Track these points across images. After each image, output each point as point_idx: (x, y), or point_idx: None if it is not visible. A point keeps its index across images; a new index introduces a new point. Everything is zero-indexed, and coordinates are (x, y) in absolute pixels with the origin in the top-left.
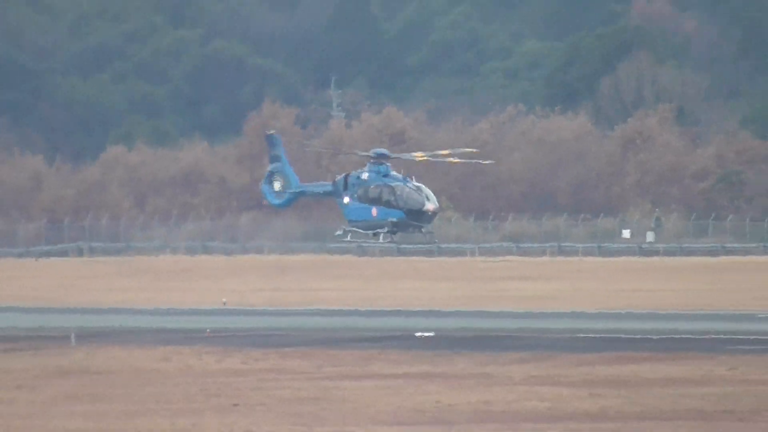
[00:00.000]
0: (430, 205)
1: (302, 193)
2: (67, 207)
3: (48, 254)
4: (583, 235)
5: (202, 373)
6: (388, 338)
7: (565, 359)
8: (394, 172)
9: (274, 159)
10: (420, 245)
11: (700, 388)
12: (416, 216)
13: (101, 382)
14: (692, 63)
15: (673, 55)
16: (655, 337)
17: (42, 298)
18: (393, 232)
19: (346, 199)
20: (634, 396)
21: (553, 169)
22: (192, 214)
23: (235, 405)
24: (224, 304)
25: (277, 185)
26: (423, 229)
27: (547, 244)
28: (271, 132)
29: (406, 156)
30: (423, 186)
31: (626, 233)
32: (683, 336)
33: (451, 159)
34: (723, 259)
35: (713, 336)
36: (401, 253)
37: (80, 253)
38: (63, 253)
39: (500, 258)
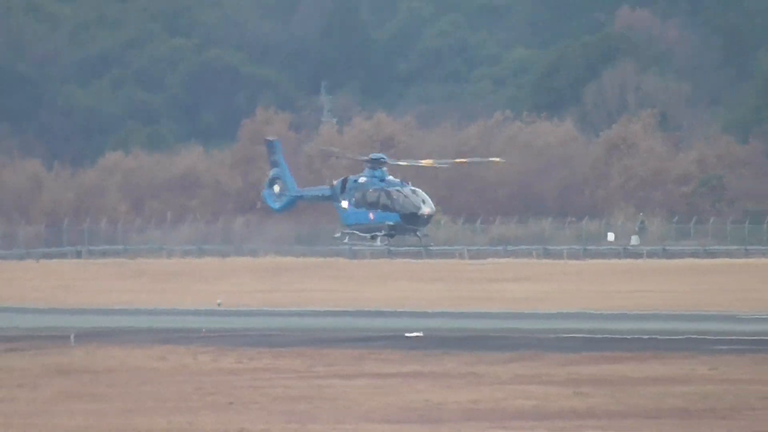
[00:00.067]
0: (426, 209)
1: (301, 198)
2: (67, 210)
3: (48, 256)
4: (569, 238)
5: (197, 372)
6: (379, 338)
7: (551, 359)
8: (390, 177)
9: (274, 164)
10: (410, 247)
11: (683, 386)
12: (412, 219)
13: (100, 380)
14: (675, 70)
15: (656, 62)
16: (638, 337)
17: (42, 299)
18: (390, 235)
19: (344, 203)
20: (618, 394)
21: (539, 173)
22: (188, 218)
23: (230, 403)
24: (219, 305)
25: (277, 190)
26: (419, 232)
27: (534, 247)
28: (271, 138)
29: (412, 162)
30: (419, 190)
31: (611, 236)
32: (666, 336)
33: (462, 160)
34: (705, 261)
35: (695, 336)
36: (392, 255)
37: (79, 255)
38: (62, 255)
39: (488, 261)
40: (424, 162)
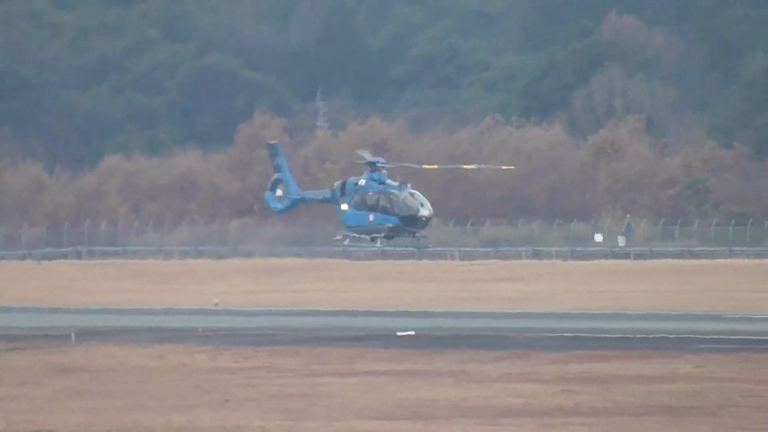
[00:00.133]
0: (425, 211)
1: (302, 200)
2: (67, 212)
3: (49, 257)
4: (558, 239)
5: (195, 370)
6: (372, 337)
7: (539, 357)
8: (389, 180)
9: (277, 168)
10: (402, 249)
11: (668, 384)
12: (411, 221)
13: (100, 379)
14: (661, 76)
15: (642, 68)
16: (625, 336)
17: (43, 299)
18: (389, 237)
19: (344, 206)
20: (605, 392)
21: (528, 176)
22: (186, 220)
23: (227, 401)
24: (216, 305)
25: (279, 192)
26: (417, 234)
27: (523, 248)
28: (273, 141)
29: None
30: (417, 193)
31: (598, 237)
32: (652, 335)
33: (471, 166)
34: (690, 262)
35: (681, 335)
36: (385, 256)
37: (79, 256)
38: (63, 256)
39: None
40: (428, 167)
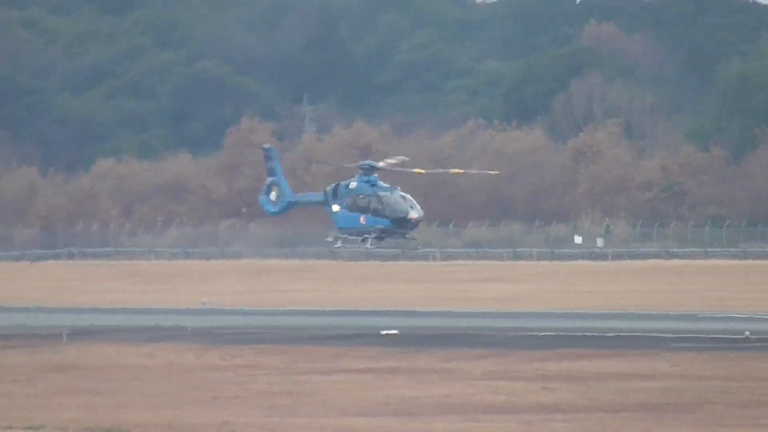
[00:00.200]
0: (414, 214)
1: (295, 203)
2: (61, 214)
3: (42, 258)
4: (538, 241)
5: (183, 368)
6: (357, 336)
7: (520, 356)
8: (381, 182)
9: (270, 171)
10: (387, 250)
11: (646, 382)
12: (401, 223)
13: (92, 376)
14: (639, 81)
15: (621, 74)
16: (603, 334)
17: (36, 299)
18: (380, 238)
19: (336, 208)
20: (584, 390)
21: (510, 179)
22: (175, 222)
23: (214, 398)
24: (204, 304)
25: (273, 195)
26: (407, 236)
27: (505, 249)
28: (267, 146)
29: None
30: (408, 195)
31: (578, 239)
32: (630, 334)
33: (457, 170)
34: (667, 262)
35: (657, 334)
36: (370, 257)
37: (72, 257)
38: (56, 257)
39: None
40: (416, 170)
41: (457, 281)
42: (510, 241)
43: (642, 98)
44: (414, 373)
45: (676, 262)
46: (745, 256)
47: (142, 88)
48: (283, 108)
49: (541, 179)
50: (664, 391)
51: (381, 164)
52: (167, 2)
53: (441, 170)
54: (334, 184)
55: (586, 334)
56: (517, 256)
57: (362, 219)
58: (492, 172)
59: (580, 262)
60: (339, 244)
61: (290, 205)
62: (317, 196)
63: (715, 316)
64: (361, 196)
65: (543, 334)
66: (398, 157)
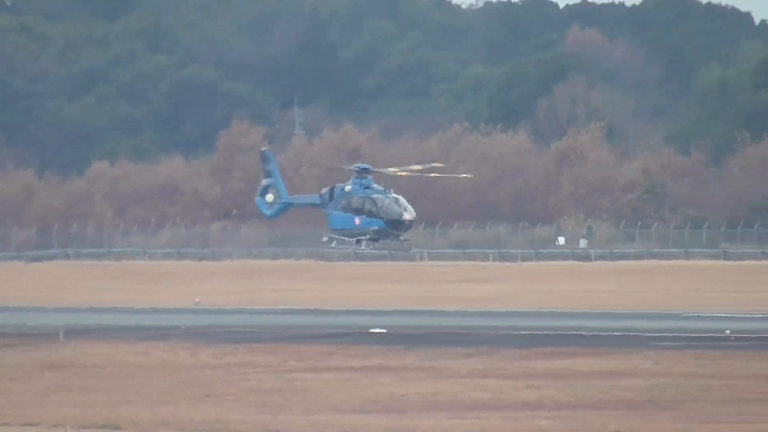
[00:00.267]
0: (407, 216)
1: (291, 205)
2: (56, 216)
3: (38, 258)
4: (523, 242)
5: (177, 366)
6: (346, 335)
7: (505, 354)
8: (375, 185)
9: (267, 174)
10: (376, 251)
11: (628, 380)
12: (395, 225)
13: (87, 374)
14: (621, 86)
15: (603, 78)
16: (587, 333)
17: (32, 298)
18: (375, 240)
19: (332, 210)
20: (568, 387)
21: (495, 181)
22: (168, 223)
23: (207, 395)
24: (197, 304)
25: (269, 198)
26: (401, 237)
27: (490, 250)
28: (264, 149)
29: (384, 170)
30: (401, 198)
31: (561, 240)
32: (613, 333)
33: (435, 173)
34: (649, 263)
35: (640, 333)
36: (358, 258)
37: (67, 257)
38: (52, 258)
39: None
40: (392, 170)
41: (444, 281)
42: (495, 242)
43: (624, 102)
44: (402, 371)
45: (657, 262)
46: (725, 256)
47: (135, 92)
48: (273, 112)
49: (526, 181)
50: (646, 388)
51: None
52: (159, 8)
53: (419, 174)
54: (329, 187)
55: (571, 332)
56: (502, 257)
57: (357, 220)
58: (466, 175)
59: (564, 262)
60: (334, 244)
61: (287, 207)
62: (313, 198)
63: (696, 315)
64: (355, 199)
65: (528, 332)
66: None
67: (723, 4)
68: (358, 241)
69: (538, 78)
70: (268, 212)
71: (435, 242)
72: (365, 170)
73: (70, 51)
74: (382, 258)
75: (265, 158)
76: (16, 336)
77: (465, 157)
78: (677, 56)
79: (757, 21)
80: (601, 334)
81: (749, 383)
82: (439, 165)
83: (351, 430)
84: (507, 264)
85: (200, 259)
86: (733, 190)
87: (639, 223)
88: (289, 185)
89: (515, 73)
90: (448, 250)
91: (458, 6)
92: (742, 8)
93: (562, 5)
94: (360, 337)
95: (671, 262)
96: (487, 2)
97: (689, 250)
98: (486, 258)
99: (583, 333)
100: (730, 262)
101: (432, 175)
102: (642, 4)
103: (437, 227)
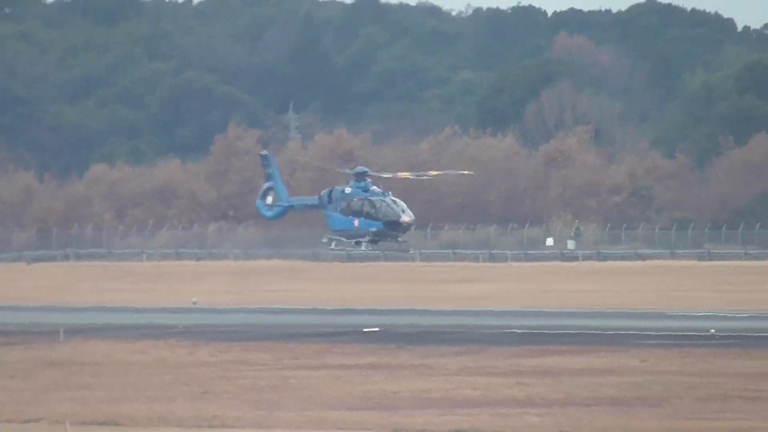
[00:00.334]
0: (406, 218)
1: (291, 207)
2: (56, 218)
3: (38, 259)
4: (512, 243)
5: (174, 364)
6: (340, 333)
7: (495, 352)
8: (374, 187)
9: (268, 177)
10: (367, 252)
11: (616, 377)
12: (393, 227)
13: (87, 372)
14: (608, 91)
15: (590, 83)
16: (575, 332)
17: (33, 298)
18: (373, 241)
19: (331, 212)
20: (557, 384)
21: (485, 184)
22: (166, 224)
23: (204, 392)
24: (194, 303)
25: (269, 200)
26: (399, 239)
27: (480, 251)
28: (264, 152)
29: (386, 174)
30: (399, 200)
31: (550, 241)
32: (600, 331)
33: (436, 173)
34: (635, 263)
35: (627, 331)
36: (351, 259)
37: (67, 258)
38: (52, 259)
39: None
40: (402, 174)
41: (435, 281)
42: (485, 243)
43: (610, 107)
44: (394, 369)
45: (643, 262)
46: (710, 257)
47: (133, 96)
48: (268, 116)
49: (515, 184)
50: (633, 386)
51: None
52: (157, 15)
53: (421, 173)
54: (329, 189)
55: (559, 331)
56: (492, 258)
57: (356, 222)
58: (465, 172)
59: (552, 263)
60: (333, 245)
61: (287, 209)
62: (313, 200)
63: (683, 314)
64: (355, 201)
65: (517, 331)
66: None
67: (707, 11)
68: (358, 243)
69: (526, 83)
70: (269, 214)
71: (426, 243)
72: (364, 173)
73: (69, 56)
74: (375, 259)
75: (265, 161)
76: (17, 335)
77: (455, 160)
78: (662, 62)
79: (740, 27)
80: (588, 332)
81: (733, 381)
82: (438, 173)
83: (344, 427)
84: (497, 264)
85: (198, 260)
86: (717, 192)
87: (625, 225)
88: (285, 188)
89: (504, 79)
90: (439, 251)
91: (448, 13)
92: (726, 15)
93: (550, 12)
94: (353, 335)
95: (657, 263)
96: (477, 9)
97: (675, 251)
98: (476, 258)
99: (571, 332)
100: (715, 263)
101: (434, 173)
102: (628, 11)
103: (428, 229)
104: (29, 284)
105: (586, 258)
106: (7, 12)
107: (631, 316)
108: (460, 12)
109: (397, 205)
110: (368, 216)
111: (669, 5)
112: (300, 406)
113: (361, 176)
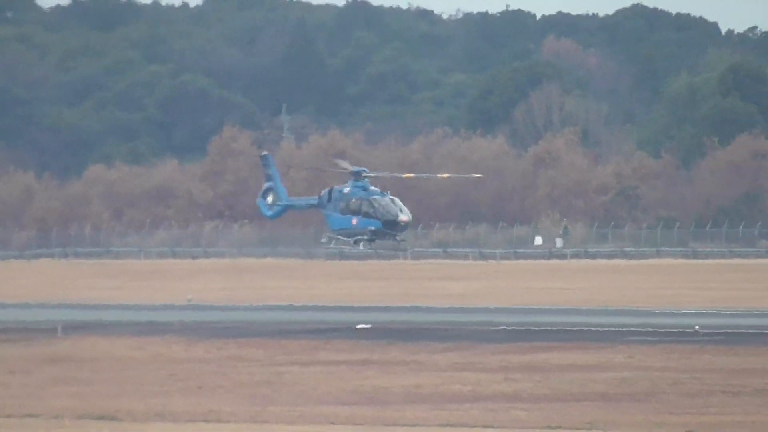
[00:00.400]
0: (404, 217)
1: (291, 206)
2: (55, 217)
3: (38, 257)
4: (501, 241)
5: (170, 360)
6: (332, 330)
7: (484, 348)
8: (372, 187)
9: (268, 177)
10: (359, 250)
11: (602, 373)
12: (391, 225)
13: (84, 368)
14: (595, 93)
15: (578, 86)
16: (563, 328)
17: (32, 296)
18: (372, 240)
19: (330, 211)
20: (544, 380)
21: (475, 184)
22: (163, 224)
23: (200, 388)
24: (190, 300)
25: (270, 199)
26: (397, 237)
27: (470, 249)
28: (265, 153)
29: (387, 174)
30: (397, 199)
31: (538, 239)
32: (587, 328)
33: (447, 175)
34: (622, 261)
35: (613, 328)
36: (343, 257)
37: (66, 256)
38: (51, 257)
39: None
40: (405, 175)
41: (426, 279)
42: (475, 242)
43: (597, 108)
44: (386, 365)
45: (630, 261)
46: (695, 255)
47: (130, 98)
48: (262, 117)
49: (504, 184)
50: (619, 381)
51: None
52: (154, 19)
53: (427, 175)
54: (328, 189)
55: (547, 328)
56: (481, 256)
57: (354, 221)
58: (476, 175)
59: (541, 261)
60: (332, 244)
61: (286, 209)
62: (312, 199)
63: (668, 311)
64: (354, 200)
65: (506, 328)
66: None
67: (691, 14)
68: (356, 242)
69: (515, 85)
70: (269, 213)
71: (417, 242)
72: (362, 173)
73: (68, 60)
74: (367, 257)
75: (265, 162)
76: (16, 331)
77: (446, 161)
78: (648, 64)
79: (723, 31)
80: (576, 329)
81: (717, 376)
82: (447, 175)
83: (337, 421)
84: (486, 262)
85: (195, 258)
86: (702, 192)
87: (612, 224)
88: None
89: (494, 81)
90: (429, 250)
91: (439, 17)
92: (710, 19)
93: (538, 16)
94: (346, 332)
95: (643, 261)
96: (467, 13)
97: (660, 249)
98: (466, 257)
99: (559, 328)
100: (700, 261)
101: (444, 175)
102: (614, 15)
103: (419, 228)
104: (28, 282)
105: (573, 256)
106: (8, 16)
107: (618, 313)
108: (451, 16)
109: (395, 205)
110: (367, 215)
111: (655, 9)
112: (293, 401)
113: (359, 176)
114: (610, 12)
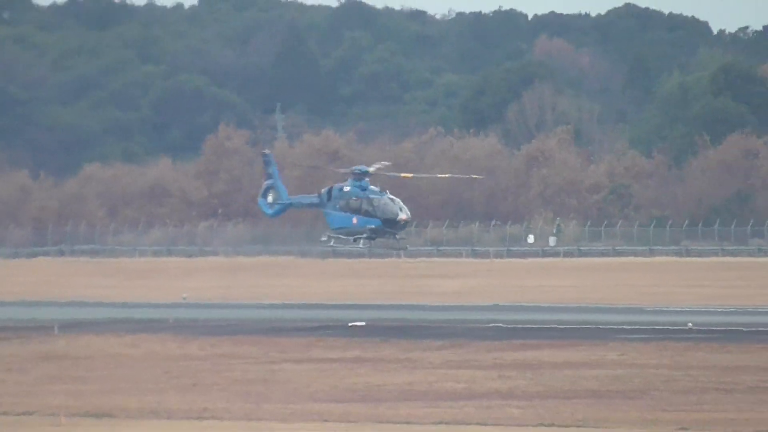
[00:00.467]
0: (403, 215)
1: (291, 205)
2: (51, 215)
3: (34, 255)
4: (494, 240)
5: (165, 357)
6: (326, 328)
7: (477, 346)
8: (372, 186)
9: (268, 175)
10: (353, 248)
11: (595, 370)
12: (391, 224)
13: (80, 365)
14: (587, 92)
15: (570, 85)
16: (555, 326)
17: (29, 293)
18: (371, 238)
19: (330, 210)
20: (537, 377)
21: (468, 183)
22: (157, 222)
23: (194, 385)
24: (184, 298)
25: (270, 198)
26: (397, 236)
27: (463, 248)
28: (266, 151)
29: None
30: (396, 198)
31: (531, 238)
32: (580, 326)
33: (447, 175)
34: (614, 259)
35: (606, 326)
36: (337, 255)
37: (62, 254)
38: (46, 255)
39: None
40: (404, 175)
41: (420, 277)
42: (468, 240)
43: (589, 108)
44: (379, 363)
45: (622, 259)
46: (687, 253)
47: (125, 98)
48: (256, 117)
49: (497, 182)
50: (612, 378)
51: (371, 169)
52: (148, 19)
53: (427, 175)
54: (328, 188)
55: (540, 325)
56: (475, 254)
57: (354, 220)
58: (476, 176)
59: (534, 259)
60: (332, 243)
61: (286, 207)
62: (312, 198)
63: (660, 309)
64: (353, 199)
65: (499, 325)
66: (383, 163)
67: (683, 14)
68: (356, 240)
69: (508, 85)
70: (270, 211)
71: (411, 240)
72: (362, 172)
73: (63, 60)
74: (360, 255)
75: (266, 160)
76: (12, 329)
77: (439, 160)
78: (640, 64)
79: (715, 30)
80: (568, 327)
81: (709, 374)
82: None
83: (331, 419)
84: (479, 260)
85: (190, 256)
86: (694, 190)
87: (605, 222)
88: None
89: (486, 81)
90: (423, 248)
91: (431, 17)
92: (701, 18)
93: (530, 16)
94: (340, 330)
95: (636, 259)
96: (460, 13)
97: (653, 247)
98: (459, 255)
99: (552, 326)
100: (692, 259)
101: (444, 175)
102: (606, 14)
103: (413, 226)
104: (25, 279)
105: (566, 254)
106: (4, 16)
107: (611, 310)
108: (443, 16)
109: (395, 203)
110: (366, 214)
111: (646, 9)
112: (287, 398)
113: (359, 175)
114: (603, 12)
